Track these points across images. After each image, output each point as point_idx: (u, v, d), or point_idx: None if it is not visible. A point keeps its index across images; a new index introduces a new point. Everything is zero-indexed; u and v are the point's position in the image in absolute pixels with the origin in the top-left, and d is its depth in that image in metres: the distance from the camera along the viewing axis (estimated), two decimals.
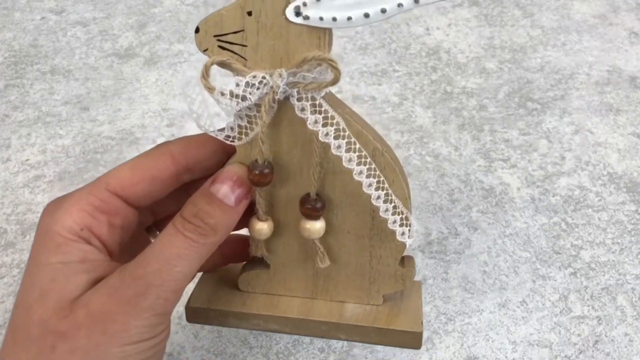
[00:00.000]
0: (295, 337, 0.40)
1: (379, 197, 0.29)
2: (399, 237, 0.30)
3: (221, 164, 0.30)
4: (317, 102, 0.27)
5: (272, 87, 0.26)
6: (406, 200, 0.29)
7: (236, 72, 0.26)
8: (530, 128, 0.56)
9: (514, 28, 0.68)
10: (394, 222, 0.30)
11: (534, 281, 0.43)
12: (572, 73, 0.62)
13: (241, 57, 0.26)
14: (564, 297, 0.42)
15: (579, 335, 0.40)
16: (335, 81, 0.26)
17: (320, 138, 0.27)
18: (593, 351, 0.39)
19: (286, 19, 0.25)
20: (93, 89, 0.60)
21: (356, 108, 0.58)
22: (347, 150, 0.28)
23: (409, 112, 0.57)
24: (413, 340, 0.32)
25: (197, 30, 0.26)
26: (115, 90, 0.60)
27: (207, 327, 0.41)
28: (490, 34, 0.67)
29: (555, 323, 0.41)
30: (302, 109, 0.27)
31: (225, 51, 0.26)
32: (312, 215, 0.29)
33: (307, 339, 0.40)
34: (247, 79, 0.26)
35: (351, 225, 0.30)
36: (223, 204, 0.27)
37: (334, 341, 0.40)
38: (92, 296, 0.25)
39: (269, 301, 0.33)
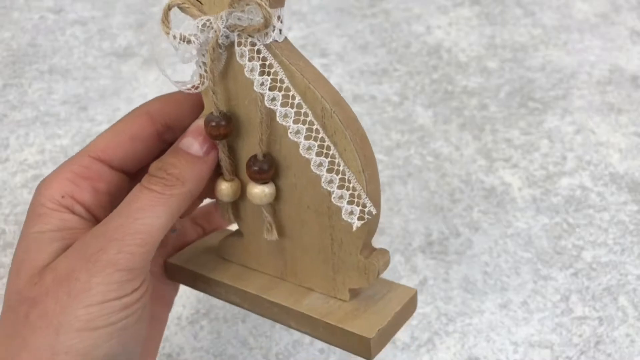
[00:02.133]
0: (296, 337, 0.40)
1: (320, 165, 0.25)
2: (344, 216, 0.26)
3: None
4: (256, 49, 0.25)
5: (215, 31, 0.25)
6: (360, 174, 0.25)
7: (192, 16, 0.26)
8: (532, 128, 0.56)
9: (515, 27, 0.68)
10: (340, 197, 0.25)
11: (535, 282, 0.43)
12: (573, 72, 0.62)
13: (198, 1, 0.26)
14: (565, 298, 0.42)
15: (580, 336, 0.40)
16: (266, 24, 0.24)
17: (255, 88, 0.25)
18: (594, 352, 0.39)
19: None
20: (91, 88, 0.60)
21: (356, 107, 0.57)
22: (283, 105, 0.25)
23: (410, 112, 0.57)
24: (361, 346, 0.27)
25: None
26: (114, 90, 0.60)
27: (206, 328, 0.41)
28: (491, 33, 0.67)
29: (556, 324, 0.41)
30: (241, 55, 0.25)
31: None
32: (257, 179, 0.27)
33: (307, 340, 0.40)
34: (196, 21, 0.25)
35: (310, 199, 0.27)
36: (188, 154, 0.27)
37: None
38: (60, 260, 0.25)
39: (238, 273, 0.31)
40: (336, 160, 0.25)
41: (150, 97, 0.59)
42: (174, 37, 0.26)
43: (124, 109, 0.58)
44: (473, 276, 0.44)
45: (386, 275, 0.44)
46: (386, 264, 0.28)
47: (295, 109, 0.25)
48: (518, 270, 0.44)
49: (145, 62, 0.64)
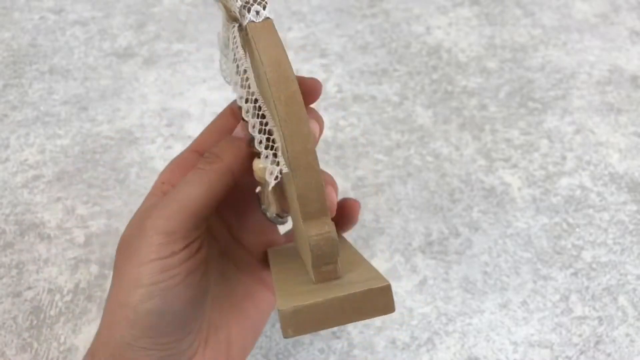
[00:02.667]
0: (296, 338, 0.40)
1: (254, 126, 0.27)
2: (267, 177, 0.26)
3: None
4: (237, 30, 0.27)
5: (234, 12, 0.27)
6: (278, 130, 0.25)
7: None
8: (531, 128, 0.56)
9: (515, 27, 0.68)
10: (266, 157, 0.26)
11: (535, 282, 0.43)
12: (573, 72, 0.62)
13: None
14: (565, 298, 0.42)
15: (580, 335, 0.40)
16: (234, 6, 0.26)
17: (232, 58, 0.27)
18: (594, 352, 0.39)
19: None
20: (92, 88, 0.60)
21: (356, 107, 0.57)
22: (237, 73, 0.27)
23: (410, 112, 0.57)
24: (280, 317, 0.24)
25: None
26: (114, 90, 0.60)
27: None
28: (491, 33, 0.67)
29: (556, 323, 0.41)
30: (233, 37, 0.27)
31: None
32: (255, 152, 0.28)
33: (307, 340, 0.40)
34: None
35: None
36: (231, 137, 0.31)
37: (334, 342, 0.40)
38: (127, 228, 0.29)
39: (294, 260, 0.30)
40: (264, 121, 0.26)
41: (150, 97, 0.59)
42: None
43: (125, 109, 0.58)
44: (473, 276, 0.44)
45: (386, 274, 0.44)
46: (323, 235, 0.25)
47: (241, 75, 0.27)
48: (518, 270, 0.44)
49: (146, 62, 0.64)
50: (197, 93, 0.59)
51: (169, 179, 0.31)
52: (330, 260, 0.26)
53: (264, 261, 0.35)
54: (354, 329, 0.41)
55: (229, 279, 0.33)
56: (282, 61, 0.26)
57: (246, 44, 0.27)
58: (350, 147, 0.53)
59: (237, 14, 0.27)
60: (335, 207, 0.28)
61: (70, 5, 0.71)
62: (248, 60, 0.27)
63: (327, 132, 0.54)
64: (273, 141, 0.26)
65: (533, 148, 0.54)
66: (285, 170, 0.25)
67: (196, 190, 0.28)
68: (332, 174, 0.51)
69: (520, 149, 0.53)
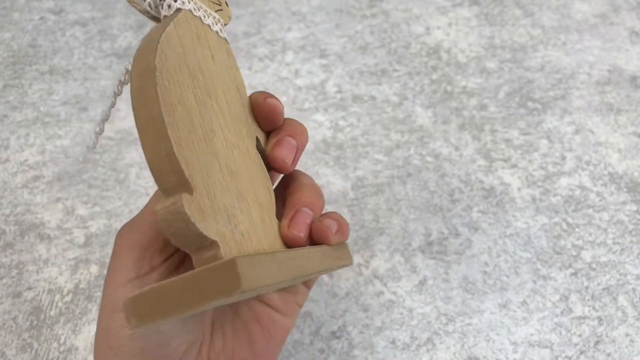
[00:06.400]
0: (296, 337, 0.40)
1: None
2: None
3: None
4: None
5: None
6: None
7: None
8: (531, 128, 0.56)
9: (515, 27, 0.68)
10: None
11: (534, 282, 0.43)
12: (572, 73, 0.62)
13: None
14: (564, 298, 0.42)
15: (579, 335, 0.40)
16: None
17: None
18: (594, 352, 0.39)
19: None
20: (92, 89, 0.60)
21: (356, 108, 0.58)
22: None
23: (409, 112, 0.57)
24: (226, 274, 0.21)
25: None
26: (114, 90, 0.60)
27: None
28: (490, 34, 0.67)
29: (556, 323, 0.41)
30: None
31: None
32: None
33: (307, 340, 0.40)
34: None
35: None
36: None
37: (334, 342, 0.40)
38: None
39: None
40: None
41: None
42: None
43: (125, 109, 0.58)
44: (473, 276, 0.44)
45: (386, 275, 0.44)
46: (169, 208, 0.22)
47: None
48: (517, 270, 0.44)
49: None
50: None
51: None
52: (187, 240, 0.22)
53: None
54: (354, 329, 0.41)
55: (237, 303, 0.30)
56: (154, 36, 0.24)
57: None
58: (350, 147, 0.53)
59: (153, 13, 0.26)
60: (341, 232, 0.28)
61: (70, 5, 0.71)
62: None
63: (327, 132, 0.54)
64: None
65: (533, 148, 0.54)
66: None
67: None
68: (332, 174, 0.51)
69: (519, 149, 0.53)
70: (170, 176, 0.22)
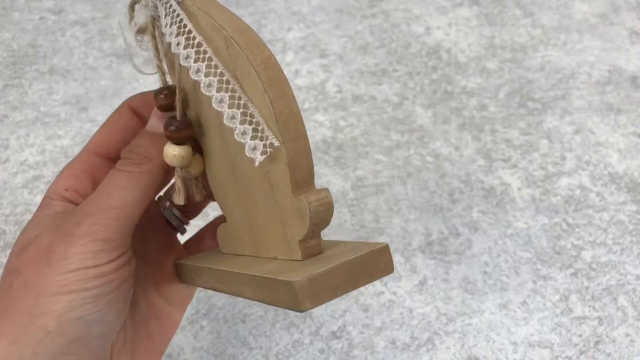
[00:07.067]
0: (296, 337, 0.40)
1: (221, 101, 0.24)
2: (247, 152, 0.24)
3: None
4: (172, 8, 0.26)
5: (150, 5, 0.27)
6: (263, 95, 0.23)
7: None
8: (531, 128, 0.56)
9: (515, 27, 0.68)
10: (243, 133, 0.24)
11: (534, 282, 0.43)
12: (572, 73, 0.62)
13: None
14: (564, 298, 0.42)
15: (580, 335, 0.40)
16: None
17: (167, 40, 0.26)
18: (594, 352, 0.39)
19: None
20: (92, 89, 0.60)
21: (356, 108, 0.58)
22: (185, 47, 0.25)
23: (409, 112, 0.57)
24: (286, 293, 0.23)
25: None
26: (114, 91, 0.60)
27: (206, 328, 0.41)
28: (490, 34, 0.67)
29: (556, 324, 0.41)
30: (164, 16, 0.26)
31: None
32: (170, 137, 0.27)
33: (307, 340, 0.40)
34: (141, 3, 0.27)
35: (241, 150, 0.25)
36: (150, 133, 0.29)
37: (334, 342, 0.40)
38: (42, 234, 0.27)
39: (223, 258, 0.29)
40: (237, 94, 0.24)
41: None
42: (135, 24, 0.27)
43: None
44: (473, 276, 0.44)
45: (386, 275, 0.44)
46: (322, 201, 0.24)
47: (195, 49, 0.25)
48: (517, 270, 0.44)
49: (146, 62, 0.63)
50: None
51: (73, 184, 0.29)
52: (323, 227, 0.24)
53: (170, 276, 0.33)
54: (354, 329, 0.41)
55: (135, 297, 0.30)
56: (243, 26, 0.24)
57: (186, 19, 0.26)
58: (350, 147, 0.53)
59: None
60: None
61: (70, 5, 0.71)
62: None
63: (327, 132, 0.54)
64: (251, 115, 0.24)
65: (533, 148, 0.54)
66: (276, 143, 0.23)
67: (131, 196, 0.27)
68: (332, 174, 0.51)
69: (520, 149, 0.53)
70: (303, 171, 0.24)
